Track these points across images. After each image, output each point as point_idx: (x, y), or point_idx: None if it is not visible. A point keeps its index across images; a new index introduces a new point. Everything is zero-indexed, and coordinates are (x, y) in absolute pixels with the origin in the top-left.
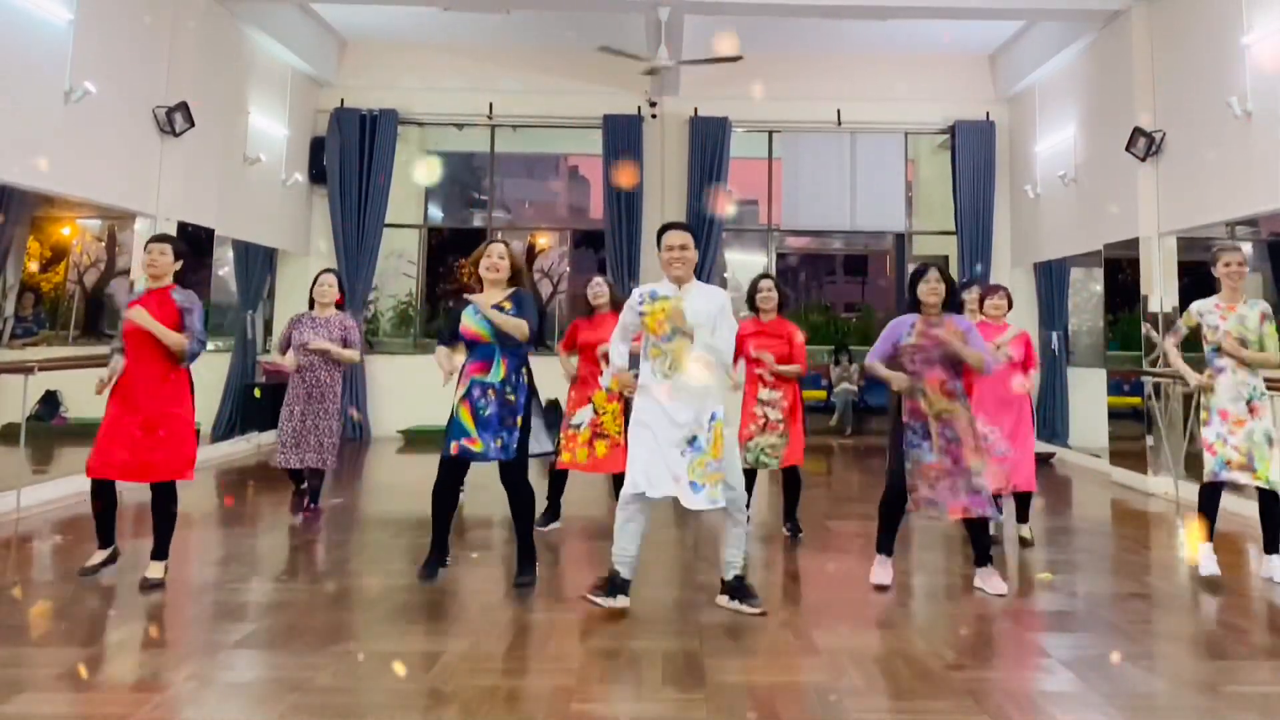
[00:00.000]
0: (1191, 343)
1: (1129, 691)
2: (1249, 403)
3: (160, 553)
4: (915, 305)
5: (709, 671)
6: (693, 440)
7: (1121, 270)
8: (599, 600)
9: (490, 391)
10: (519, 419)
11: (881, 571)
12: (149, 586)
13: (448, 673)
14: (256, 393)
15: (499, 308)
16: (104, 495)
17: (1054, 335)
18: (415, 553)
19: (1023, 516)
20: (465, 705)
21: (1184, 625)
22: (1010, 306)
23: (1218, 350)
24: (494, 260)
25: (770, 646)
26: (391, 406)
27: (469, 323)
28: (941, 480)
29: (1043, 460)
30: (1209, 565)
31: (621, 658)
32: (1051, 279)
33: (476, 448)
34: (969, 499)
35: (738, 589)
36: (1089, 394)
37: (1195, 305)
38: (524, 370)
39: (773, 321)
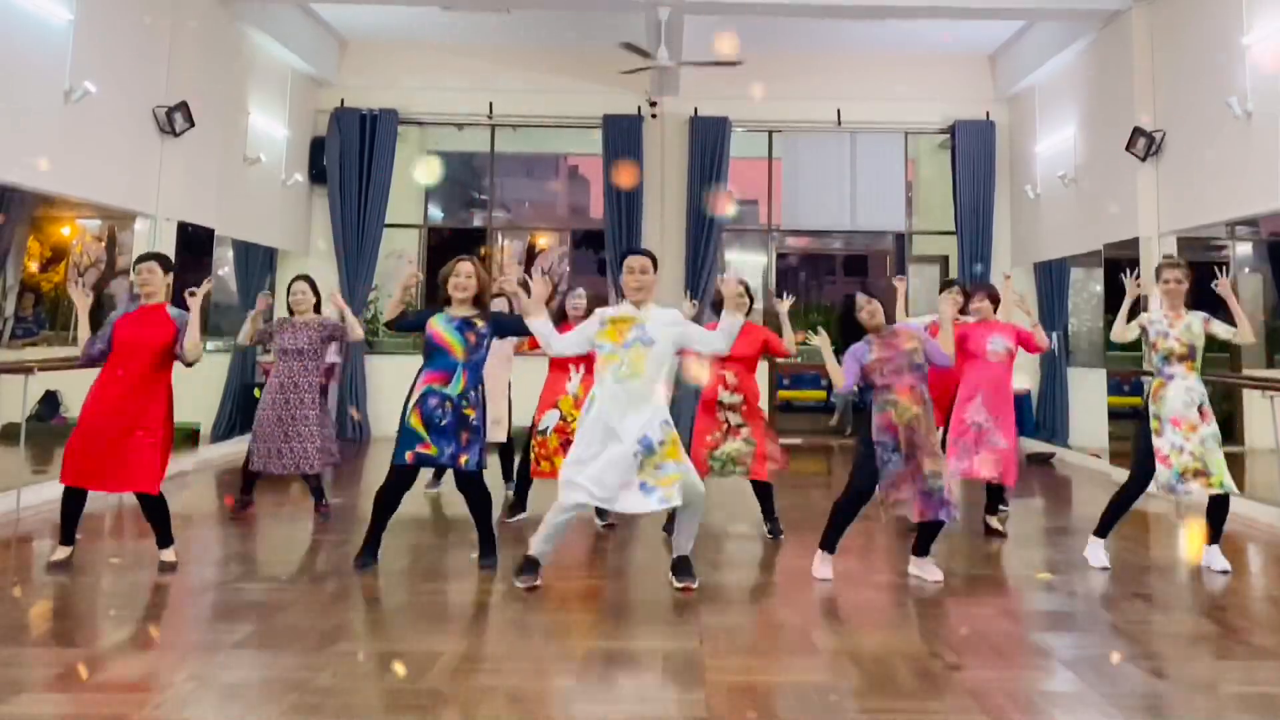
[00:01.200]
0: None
1: (1129, 691)
2: (1199, 409)
3: (164, 541)
4: (860, 332)
5: (709, 671)
6: (644, 441)
7: (1121, 270)
8: (534, 583)
9: (447, 403)
10: (472, 435)
11: (823, 567)
12: (166, 568)
13: (448, 673)
14: (256, 393)
15: (470, 322)
16: (76, 499)
17: (1054, 335)
18: (415, 552)
19: (991, 509)
20: (465, 705)
21: (1184, 625)
22: (996, 304)
23: (1167, 358)
24: (462, 279)
25: (770, 646)
26: (391, 406)
27: (441, 330)
28: (905, 484)
29: (1043, 460)
30: (1099, 557)
31: (621, 658)
32: (1051, 279)
33: (431, 452)
34: (923, 502)
35: (679, 566)
36: (1089, 394)
37: (1144, 315)
38: (481, 386)
39: (745, 326)
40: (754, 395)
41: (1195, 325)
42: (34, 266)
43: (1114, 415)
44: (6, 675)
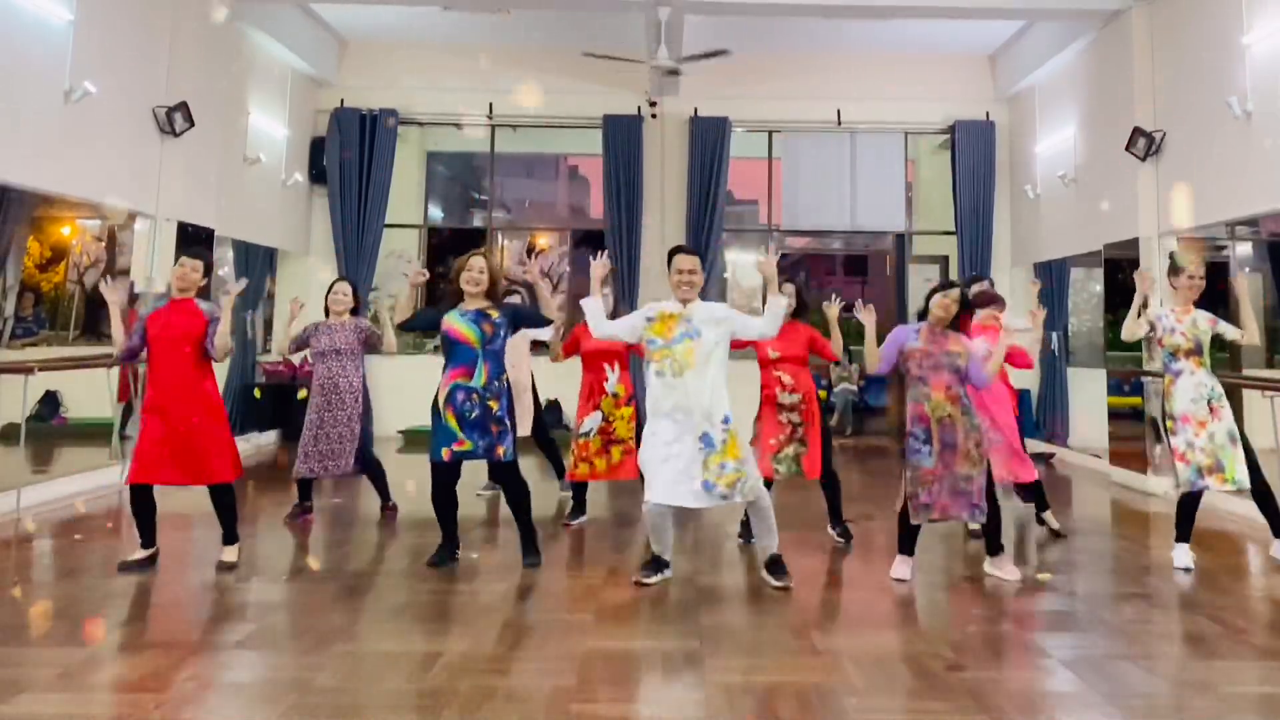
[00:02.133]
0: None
1: (1129, 691)
2: (1209, 403)
3: (229, 538)
4: (924, 313)
5: (709, 671)
6: (705, 437)
7: (1121, 270)
8: (650, 579)
9: (474, 395)
10: (500, 426)
11: (902, 568)
12: (226, 568)
13: (448, 673)
14: (257, 393)
15: (485, 314)
16: (143, 500)
17: (1054, 335)
18: (416, 552)
19: (1041, 507)
20: (465, 705)
21: (1184, 625)
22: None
23: (1174, 355)
24: (474, 274)
25: (770, 646)
26: (391, 406)
27: (457, 325)
28: (934, 484)
29: (1043, 460)
30: (1183, 559)
31: (621, 658)
32: (1051, 279)
33: (467, 447)
34: (950, 499)
35: (772, 567)
36: (1089, 394)
37: (1150, 312)
38: (504, 376)
39: (788, 324)
40: (810, 393)
41: (1202, 321)
42: (34, 266)
43: (1114, 415)
44: (6, 675)
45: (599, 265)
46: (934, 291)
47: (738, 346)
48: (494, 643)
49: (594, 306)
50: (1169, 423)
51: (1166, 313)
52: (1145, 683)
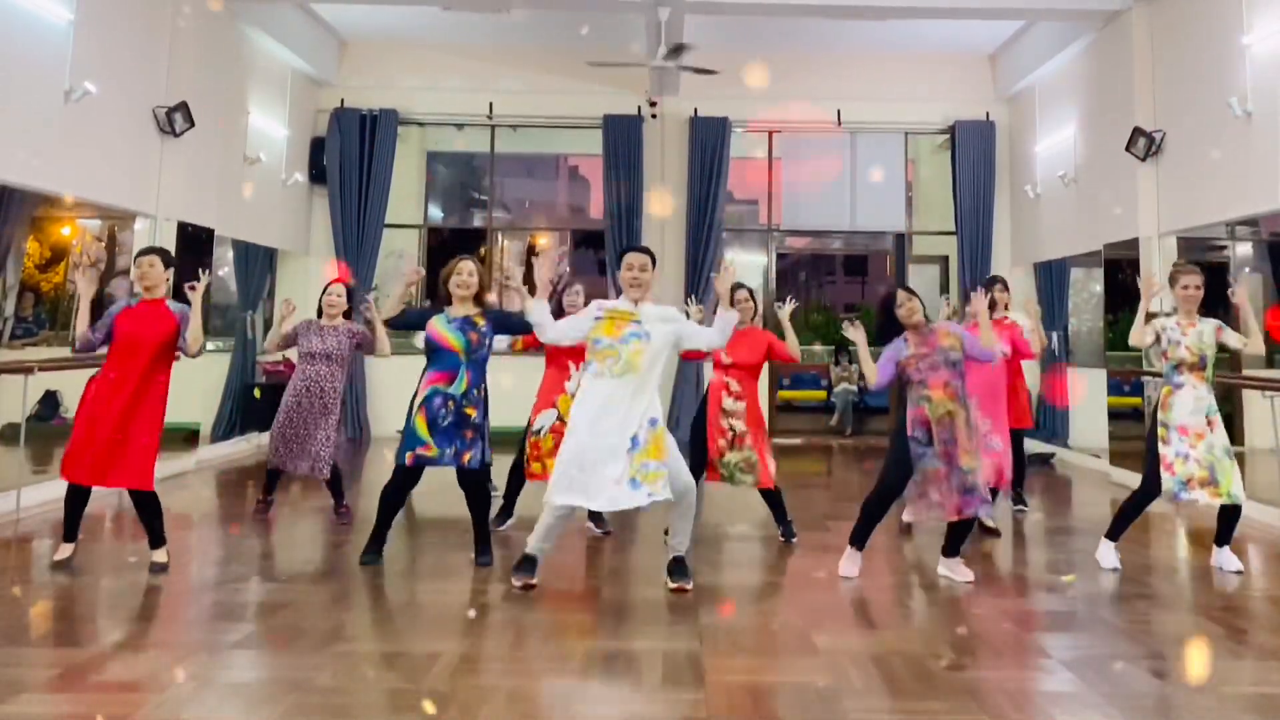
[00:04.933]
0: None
1: (1129, 691)
2: (1207, 417)
3: (156, 541)
4: (898, 329)
5: (709, 671)
6: (634, 438)
7: (1121, 270)
8: (535, 579)
9: (450, 403)
10: (475, 432)
11: (850, 564)
12: (157, 569)
13: (448, 673)
14: (256, 393)
15: (472, 321)
16: (78, 495)
17: (1054, 335)
18: (416, 552)
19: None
20: (465, 705)
21: (1184, 625)
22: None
23: (1177, 367)
24: (464, 278)
25: (770, 646)
26: (391, 406)
27: (442, 330)
28: (941, 484)
29: (1043, 460)
30: (1110, 558)
31: (621, 658)
32: (1051, 279)
33: (431, 454)
34: (961, 499)
35: (675, 566)
36: (1089, 394)
37: (1158, 321)
38: (484, 385)
39: (748, 329)
40: (755, 403)
41: (1208, 334)
42: (34, 266)
43: (1114, 415)
44: (6, 675)
45: (545, 266)
46: (887, 307)
47: (689, 357)
48: (494, 643)
49: (539, 314)
50: (1162, 430)
51: (1173, 325)
52: (1145, 683)
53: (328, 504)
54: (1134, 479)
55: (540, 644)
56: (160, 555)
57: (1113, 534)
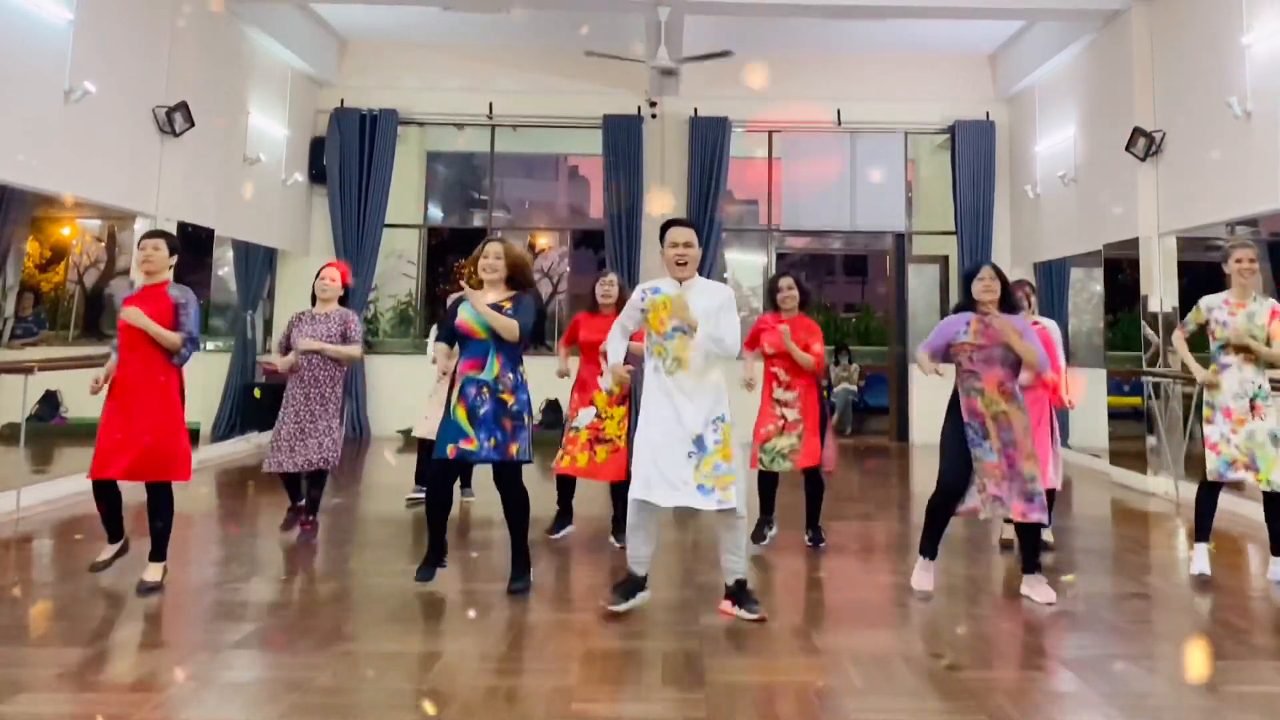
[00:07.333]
0: (1200, 341)
1: (1129, 691)
2: (1252, 401)
3: (158, 555)
4: (970, 304)
5: (709, 671)
6: (699, 440)
7: (1121, 270)
8: (620, 607)
9: (485, 389)
10: (515, 421)
11: (924, 576)
12: (146, 589)
13: (448, 673)
14: (256, 393)
15: (498, 307)
16: (106, 495)
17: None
18: (415, 552)
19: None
20: (465, 705)
21: (1184, 625)
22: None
23: (1224, 347)
24: (490, 260)
25: (770, 646)
26: (391, 406)
27: (465, 316)
28: (1003, 482)
29: None
30: (1201, 564)
31: (621, 658)
32: (1051, 279)
33: (472, 447)
34: (1025, 504)
35: (739, 595)
36: (1089, 394)
37: (1204, 300)
38: (519, 370)
39: (794, 318)
40: (809, 392)
41: (1259, 316)
42: (34, 266)
43: (1114, 415)
44: (6, 675)
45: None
46: (969, 278)
47: None
48: (494, 643)
49: (614, 348)
50: (1207, 410)
51: (1220, 304)
52: (1145, 683)
53: (330, 505)
54: (1134, 479)
55: (540, 644)
56: (154, 573)
57: (1201, 534)
